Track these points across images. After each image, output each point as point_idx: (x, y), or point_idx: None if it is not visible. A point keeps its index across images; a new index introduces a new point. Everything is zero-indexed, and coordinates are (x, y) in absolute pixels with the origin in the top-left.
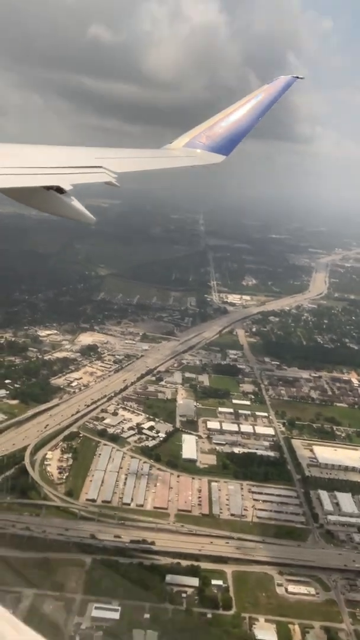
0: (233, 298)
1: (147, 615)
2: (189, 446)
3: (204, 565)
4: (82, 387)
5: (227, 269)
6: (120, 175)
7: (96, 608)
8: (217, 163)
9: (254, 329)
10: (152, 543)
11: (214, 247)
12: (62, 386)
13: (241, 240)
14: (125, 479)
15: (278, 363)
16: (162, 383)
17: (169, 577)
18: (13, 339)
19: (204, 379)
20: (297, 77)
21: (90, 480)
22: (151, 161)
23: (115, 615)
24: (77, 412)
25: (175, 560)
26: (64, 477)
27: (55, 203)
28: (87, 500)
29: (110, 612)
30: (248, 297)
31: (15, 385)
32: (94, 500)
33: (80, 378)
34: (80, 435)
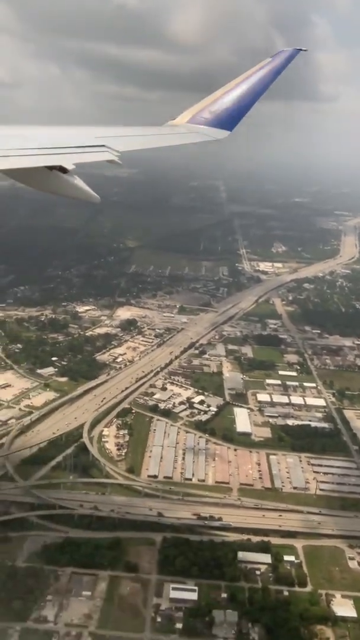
0: (265, 266)
1: (224, 595)
2: (242, 419)
3: (274, 540)
4: (128, 363)
5: (254, 236)
6: (124, 154)
7: (173, 589)
8: (220, 139)
9: (290, 298)
10: (220, 519)
11: (238, 214)
12: (107, 362)
13: (265, 206)
14: (183, 454)
15: (319, 331)
16: (206, 356)
17: (241, 554)
18: (53, 315)
19: (247, 351)
20: (300, 50)
21: (149, 456)
22: (154, 139)
23: (193, 596)
24: (126, 388)
25: (245, 536)
26: (123, 453)
27: (58, 183)
28: (149, 476)
29: (188, 593)
30: (280, 265)
31: (62, 363)
32: (155, 477)
33: (124, 353)
34: (133, 411)
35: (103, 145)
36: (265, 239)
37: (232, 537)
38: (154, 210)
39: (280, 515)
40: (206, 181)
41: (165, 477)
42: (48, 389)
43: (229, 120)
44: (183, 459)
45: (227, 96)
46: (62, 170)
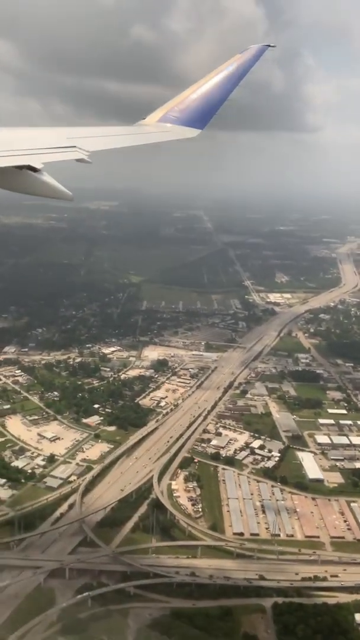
0: (274, 297)
1: None
2: (310, 465)
3: None
4: (172, 407)
5: (253, 266)
6: (95, 154)
7: None
8: (191, 137)
9: (311, 330)
10: (324, 578)
11: (231, 244)
12: (151, 407)
13: (253, 235)
14: (262, 506)
15: (352, 364)
16: (249, 396)
17: (358, 617)
18: (80, 359)
19: (288, 388)
20: (269, 46)
21: (228, 511)
22: (124, 138)
23: None
24: (180, 435)
25: (356, 595)
26: (199, 509)
27: (29, 182)
28: (234, 534)
29: None
30: (288, 295)
31: (107, 410)
32: (241, 534)
33: (165, 397)
34: (196, 460)
35: (74, 147)
36: (265, 269)
37: (343, 597)
38: (147, 243)
39: None
40: (188, 211)
41: (252, 535)
42: (100, 440)
43: (200, 118)
44: (263, 512)
45: (197, 94)
46: (32, 169)
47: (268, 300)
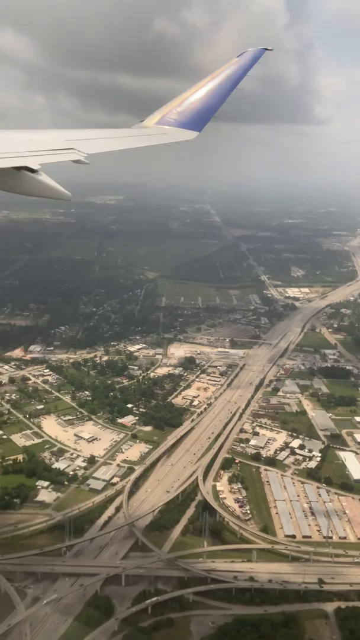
0: (292, 292)
1: None
2: (353, 465)
3: None
4: (206, 406)
5: (267, 260)
6: (94, 156)
7: None
8: (189, 140)
9: (334, 325)
10: None
11: (241, 238)
12: (184, 406)
13: (262, 228)
14: (310, 508)
15: None
16: (281, 393)
17: None
18: (107, 357)
19: (320, 386)
20: (266, 49)
21: (276, 513)
22: (122, 141)
23: None
24: (218, 435)
25: None
26: (247, 510)
27: (27, 183)
28: (286, 536)
29: None
30: (306, 290)
31: (140, 410)
32: (293, 537)
33: (197, 395)
34: (237, 461)
35: (72, 149)
36: (279, 263)
37: None
38: (157, 238)
39: None
40: (194, 205)
41: (304, 537)
42: (137, 440)
43: (198, 121)
44: (312, 514)
45: (195, 97)
46: (30, 171)
47: (287, 295)
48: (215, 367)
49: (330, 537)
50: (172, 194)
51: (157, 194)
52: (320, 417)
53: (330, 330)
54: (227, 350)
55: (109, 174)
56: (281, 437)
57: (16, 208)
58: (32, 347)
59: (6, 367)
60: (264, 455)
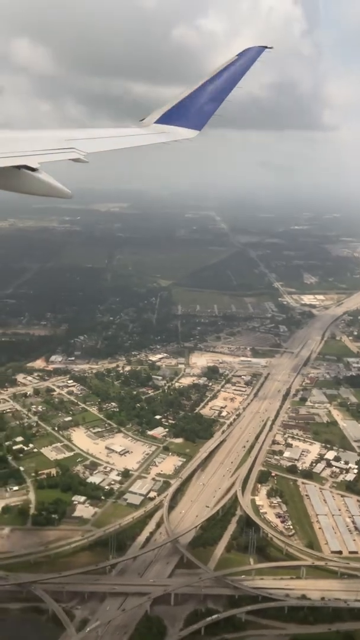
0: (308, 299)
1: None
2: None
3: None
4: (235, 417)
5: (278, 267)
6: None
7: None
8: (189, 138)
9: (354, 332)
10: None
11: (250, 245)
12: (212, 417)
13: (269, 235)
14: (353, 522)
15: None
16: (309, 403)
17: None
18: (129, 367)
19: (347, 395)
20: (266, 47)
21: (320, 528)
22: (123, 140)
23: None
24: (250, 447)
25: None
26: (290, 525)
27: (27, 181)
28: (332, 552)
29: None
30: (321, 297)
31: (169, 421)
32: (339, 552)
33: (225, 406)
34: (273, 474)
35: (72, 148)
36: (291, 270)
37: None
38: (165, 245)
39: None
40: (199, 212)
41: (350, 553)
42: (170, 453)
43: (198, 119)
44: (355, 529)
45: (195, 95)
46: (30, 169)
47: (302, 302)
48: (240, 376)
49: None
50: (175, 201)
51: (160, 201)
52: (352, 428)
53: (350, 338)
54: (249, 359)
55: (110, 180)
56: (315, 448)
57: (22, 216)
58: (53, 357)
59: (29, 377)
60: (300, 468)
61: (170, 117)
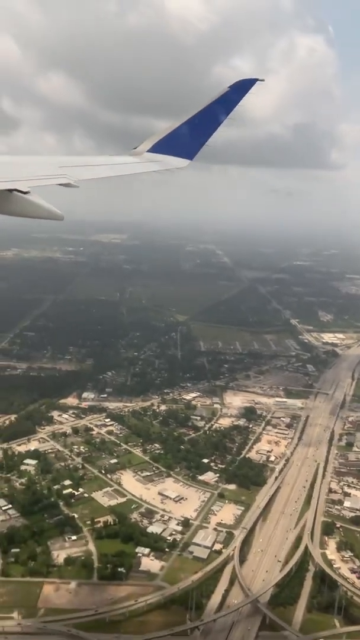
0: (328, 337)
1: None
2: None
3: None
4: (285, 462)
5: (290, 304)
6: (86, 183)
7: None
8: (180, 167)
9: None
10: None
11: (257, 280)
12: (261, 461)
13: (273, 270)
14: None
15: None
16: (356, 449)
17: None
18: (164, 406)
19: None
20: (258, 80)
21: None
22: (115, 168)
23: None
24: (307, 495)
25: None
26: None
27: (19, 204)
28: None
29: None
30: (341, 335)
31: (219, 465)
32: None
33: (271, 450)
34: (338, 526)
35: (64, 175)
36: (304, 307)
37: None
38: (173, 278)
39: None
40: (199, 245)
41: None
42: (226, 501)
43: (189, 148)
44: None
45: (187, 125)
46: (22, 192)
47: (323, 340)
48: (278, 418)
49: None
50: (174, 233)
51: (158, 233)
52: None
53: None
54: (284, 400)
55: (106, 213)
56: None
57: (26, 245)
58: (85, 394)
59: (65, 415)
60: None
61: (162, 146)
